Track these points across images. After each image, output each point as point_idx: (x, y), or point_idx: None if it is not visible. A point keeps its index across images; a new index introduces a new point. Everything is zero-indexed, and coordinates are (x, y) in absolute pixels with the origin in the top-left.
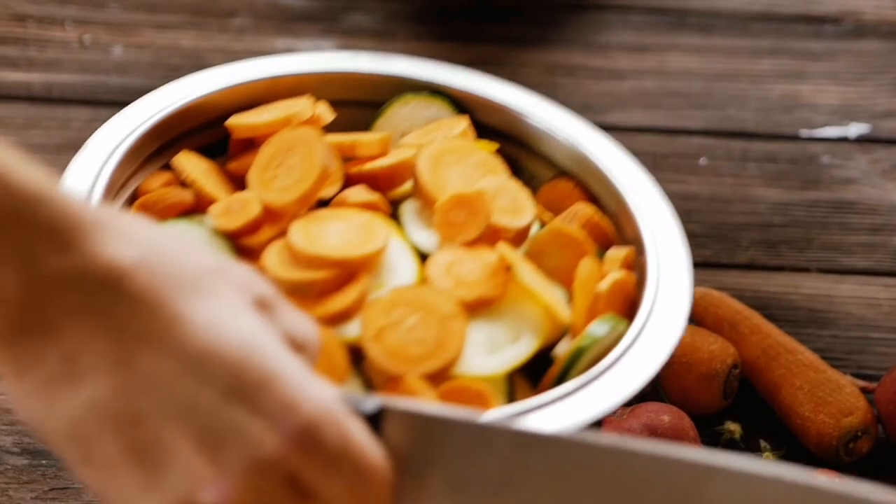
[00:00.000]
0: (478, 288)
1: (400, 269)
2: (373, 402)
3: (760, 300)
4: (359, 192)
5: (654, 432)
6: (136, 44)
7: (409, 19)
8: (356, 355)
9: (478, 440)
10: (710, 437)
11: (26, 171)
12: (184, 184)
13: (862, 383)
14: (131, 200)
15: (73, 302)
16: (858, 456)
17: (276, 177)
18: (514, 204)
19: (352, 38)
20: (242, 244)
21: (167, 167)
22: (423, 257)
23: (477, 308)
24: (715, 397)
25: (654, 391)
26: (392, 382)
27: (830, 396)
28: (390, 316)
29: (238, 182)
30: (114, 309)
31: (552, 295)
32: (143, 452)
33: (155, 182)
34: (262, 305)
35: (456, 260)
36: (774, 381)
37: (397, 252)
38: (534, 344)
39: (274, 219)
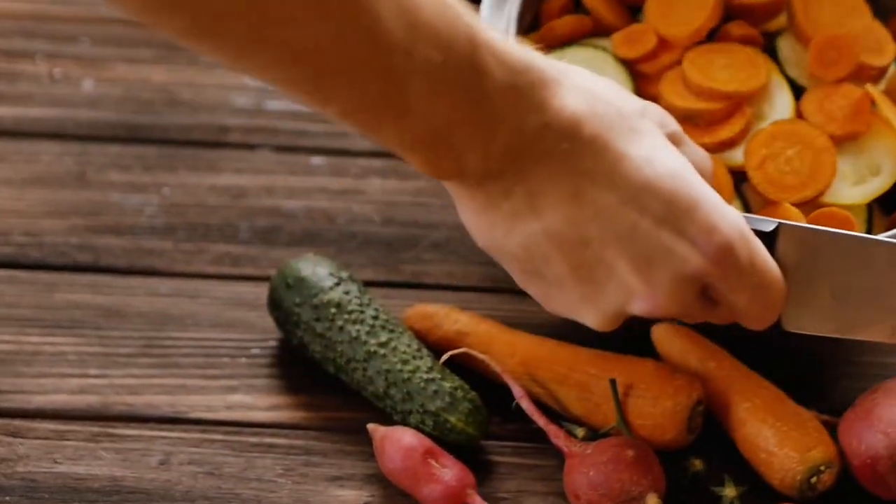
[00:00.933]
0: (846, 124)
1: (778, 103)
2: (770, 222)
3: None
4: (740, 26)
5: (619, 466)
6: (106, 78)
7: None
8: (735, 179)
9: (859, 255)
10: (675, 471)
11: (506, 43)
12: (577, 8)
13: (825, 417)
14: (530, 24)
15: (542, 150)
16: (822, 490)
17: (671, 10)
18: (877, 44)
19: None
20: (639, 70)
21: None
22: (795, 90)
23: (843, 142)
24: (679, 432)
25: (618, 426)
26: (769, 207)
27: (795, 431)
28: (771, 147)
29: (624, 3)
30: (571, 153)
31: None
32: (586, 271)
33: (554, 6)
34: (674, 140)
35: (826, 96)
36: (739, 416)
37: (775, 86)
38: (893, 176)
39: (668, 49)
